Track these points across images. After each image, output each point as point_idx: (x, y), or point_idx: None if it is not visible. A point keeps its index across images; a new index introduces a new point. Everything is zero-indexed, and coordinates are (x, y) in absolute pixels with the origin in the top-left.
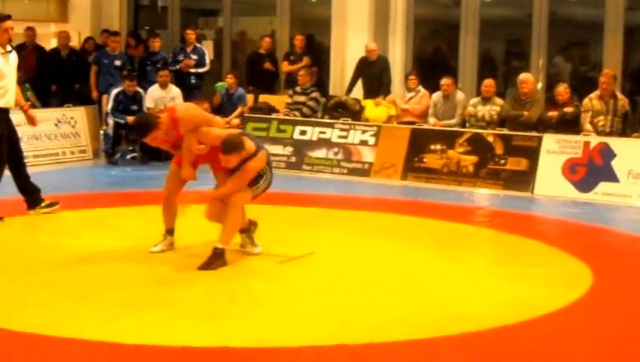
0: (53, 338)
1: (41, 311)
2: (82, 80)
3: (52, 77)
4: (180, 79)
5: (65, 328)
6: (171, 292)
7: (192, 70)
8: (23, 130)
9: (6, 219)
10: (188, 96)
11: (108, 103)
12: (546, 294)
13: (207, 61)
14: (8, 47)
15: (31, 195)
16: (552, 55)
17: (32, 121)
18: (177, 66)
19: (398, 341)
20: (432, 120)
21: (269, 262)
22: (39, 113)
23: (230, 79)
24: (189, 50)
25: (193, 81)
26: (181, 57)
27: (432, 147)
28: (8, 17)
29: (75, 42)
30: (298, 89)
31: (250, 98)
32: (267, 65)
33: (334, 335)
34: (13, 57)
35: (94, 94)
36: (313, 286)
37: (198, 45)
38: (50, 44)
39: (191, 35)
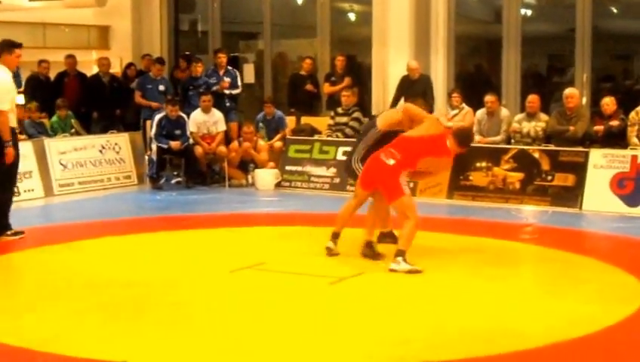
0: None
1: (91, 335)
2: (123, 106)
3: (93, 103)
4: (215, 102)
5: (116, 351)
6: (222, 315)
7: (226, 92)
8: (67, 157)
9: (55, 246)
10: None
11: (151, 129)
12: (598, 310)
13: (240, 83)
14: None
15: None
16: (595, 69)
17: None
18: (214, 88)
19: (452, 360)
20: (477, 137)
21: (320, 282)
22: (84, 140)
23: (268, 108)
24: (221, 73)
25: (228, 103)
26: (213, 80)
27: (478, 164)
28: (20, 45)
29: (116, 68)
30: (340, 110)
31: (292, 120)
32: (309, 86)
33: (390, 356)
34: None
35: (154, 105)
36: (365, 307)
37: (230, 68)
38: (92, 70)
39: (222, 58)
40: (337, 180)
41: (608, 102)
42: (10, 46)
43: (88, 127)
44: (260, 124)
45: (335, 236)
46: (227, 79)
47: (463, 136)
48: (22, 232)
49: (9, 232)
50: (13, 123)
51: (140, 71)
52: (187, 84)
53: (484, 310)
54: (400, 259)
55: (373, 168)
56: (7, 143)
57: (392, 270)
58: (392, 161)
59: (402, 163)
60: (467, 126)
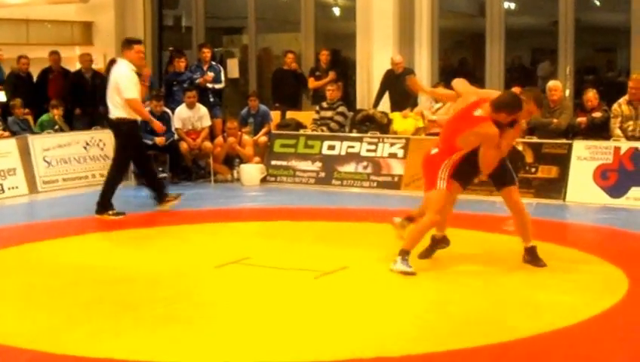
0: (91, 359)
1: (78, 332)
2: (106, 102)
3: (76, 100)
4: (199, 98)
5: (103, 348)
6: (207, 310)
7: (209, 85)
8: (51, 154)
9: (39, 243)
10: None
11: None
12: (582, 301)
13: (223, 78)
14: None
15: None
16: (578, 62)
17: None
18: (196, 81)
19: (437, 352)
20: None
21: (304, 277)
22: (68, 137)
23: (252, 102)
24: (205, 68)
25: (212, 99)
26: (197, 75)
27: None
28: (140, 42)
29: (100, 64)
30: (325, 104)
31: (276, 115)
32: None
33: (372, 349)
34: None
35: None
36: (349, 300)
37: (214, 63)
38: (76, 67)
39: (206, 53)
40: (323, 174)
41: (591, 97)
42: (130, 42)
43: (71, 123)
44: (250, 119)
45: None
46: (211, 74)
47: (500, 101)
48: (123, 213)
49: (110, 212)
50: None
51: None
52: (171, 80)
53: (469, 302)
54: (399, 259)
55: (423, 161)
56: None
57: (391, 270)
58: (435, 150)
59: (443, 150)
60: (507, 92)
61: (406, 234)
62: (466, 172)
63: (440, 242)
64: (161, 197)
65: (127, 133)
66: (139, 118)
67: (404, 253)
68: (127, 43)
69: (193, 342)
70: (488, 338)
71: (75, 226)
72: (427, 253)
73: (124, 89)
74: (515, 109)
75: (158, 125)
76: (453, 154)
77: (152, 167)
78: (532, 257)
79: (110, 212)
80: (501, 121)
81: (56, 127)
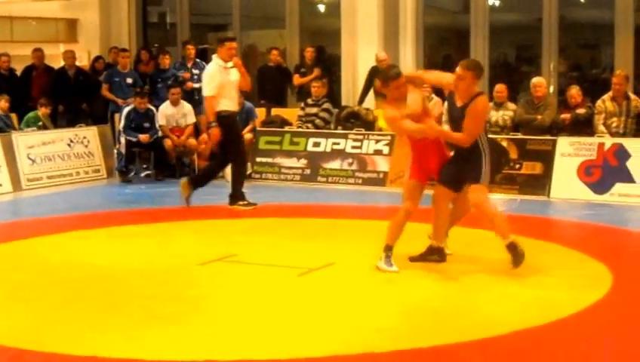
0: (75, 357)
1: (62, 330)
2: (91, 99)
3: (59, 97)
4: (185, 96)
5: (87, 346)
6: (192, 307)
7: (196, 85)
8: (35, 151)
9: (23, 241)
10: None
11: (120, 122)
12: (566, 296)
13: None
14: (229, 64)
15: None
16: (563, 58)
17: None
18: (184, 87)
19: (423, 347)
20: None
21: (289, 274)
22: (52, 134)
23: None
24: (189, 65)
25: (197, 96)
26: (181, 72)
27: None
28: (233, 39)
29: (85, 62)
30: (310, 101)
31: (262, 112)
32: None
33: (359, 344)
34: (233, 70)
35: (120, 101)
36: (335, 297)
37: (198, 60)
38: (61, 64)
39: (191, 50)
40: (308, 171)
41: (574, 94)
42: (222, 40)
43: (55, 121)
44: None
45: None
46: (195, 71)
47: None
48: (255, 204)
49: (241, 203)
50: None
51: (108, 64)
52: (155, 77)
53: (455, 297)
54: (383, 256)
55: None
56: (211, 124)
57: (377, 266)
58: None
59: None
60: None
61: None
62: (453, 176)
63: (434, 252)
64: (235, 197)
65: (226, 126)
66: (236, 110)
67: (387, 249)
68: (220, 41)
69: (177, 339)
70: (473, 333)
71: (59, 224)
72: (420, 259)
73: (203, 86)
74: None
75: (216, 133)
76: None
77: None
78: (510, 253)
79: (241, 203)
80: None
81: (40, 123)
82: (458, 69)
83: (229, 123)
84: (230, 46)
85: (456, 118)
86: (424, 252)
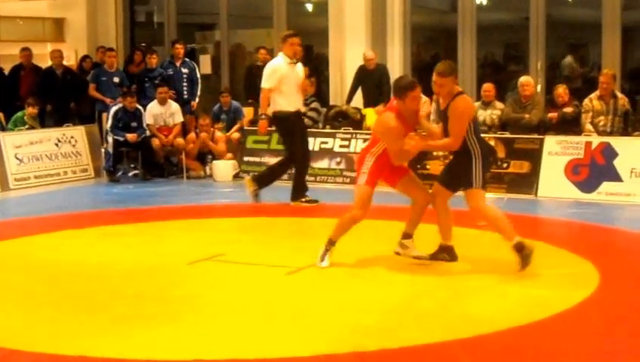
0: (63, 357)
1: (50, 329)
2: (78, 98)
3: (47, 97)
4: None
5: (75, 346)
6: (180, 307)
7: (184, 84)
8: (23, 151)
9: (11, 241)
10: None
11: (107, 121)
12: (553, 295)
13: (199, 75)
14: (294, 60)
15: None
16: (551, 57)
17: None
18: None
19: (411, 346)
20: (434, 126)
21: (277, 273)
22: (39, 134)
23: (225, 98)
24: (178, 64)
25: (186, 96)
26: (170, 72)
27: (435, 153)
28: (295, 35)
29: (72, 61)
30: None
31: (249, 111)
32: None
33: (347, 343)
34: (299, 68)
35: (107, 100)
36: (323, 295)
37: (187, 60)
38: (48, 63)
39: (179, 49)
40: None
41: (561, 93)
42: (286, 37)
43: (43, 120)
44: (223, 116)
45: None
46: (185, 70)
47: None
48: (316, 201)
49: (304, 199)
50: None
51: (96, 63)
52: (142, 76)
53: (442, 296)
54: (323, 247)
55: None
56: (261, 116)
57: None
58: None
59: (368, 144)
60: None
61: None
62: (448, 176)
63: (444, 251)
64: (297, 194)
65: (284, 126)
66: (301, 109)
67: (330, 243)
68: (284, 38)
69: (166, 339)
70: (461, 332)
71: (47, 224)
72: (430, 258)
73: (262, 79)
74: (399, 90)
75: (263, 124)
76: (373, 147)
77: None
78: (517, 254)
79: (303, 199)
80: (402, 109)
81: (27, 125)
82: (435, 78)
83: (288, 123)
84: (293, 41)
85: (443, 121)
86: (435, 251)
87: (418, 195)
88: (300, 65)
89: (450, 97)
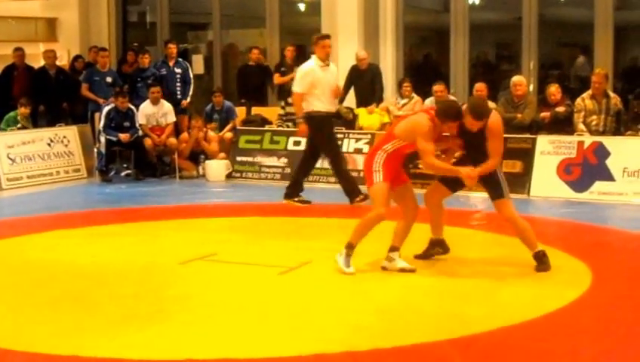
0: (56, 357)
1: (42, 329)
2: (70, 99)
3: (40, 97)
4: (167, 96)
5: (67, 345)
6: (173, 306)
7: (178, 84)
8: (15, 151)
9: (3, 241)
10: (175, 111)
11: (100, 121)
12: (546, 294)
13: (191, 75)
14: (327, 62)
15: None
16: (541, 57)
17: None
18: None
19: (403, 345)
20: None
21: (269, 272)
22: (32, 134)
23: (217, 98)
24: (171, 64)
25: (179, 96)
26: (163, 72)
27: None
28: (327, 37)
29: (64, 61)
30: (290, 100)
31: (242, 111)
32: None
33: (339, 342)
34: (333, 70)
35: (100, 101)
36: (315, 295)
37: (180, 60)
38: (41, 63)
39: (172, 49)
40: (288, 170)
41: (554, 91)
42: (317, 38)
43: (35, 120)
44: (215, 116)
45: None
46: (178, 70)
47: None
48: (309, 201)
49: (297, 199)
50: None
51: (88, 63)
52: (135, 76)
53: (434, 295)
54: (344, 251)
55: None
56: (298, 120)
57: (336, 260)
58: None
59: (377, 144)
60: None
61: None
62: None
63: (436, 245)
64: (353, 195)
65: (315, 127)
66: (331, 110)
67: (350, 247)
68: (315, 40)
69: (158, 338)
70: (453, 331)
71: (40, 223)
72: (424, 255)
73: (294, 82)
74: (448, 118)
75: (303, 128)
76: (387, 143)
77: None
78: (537, 262)
79: (296, 198)
80: (437, 123)
81: (19, 125)
82: (471, 121)
83: (319, 124)
84: (324, 44)
85: (472, 142)
86: (426, 247)
87: (409, 208)
88: (333, 67)
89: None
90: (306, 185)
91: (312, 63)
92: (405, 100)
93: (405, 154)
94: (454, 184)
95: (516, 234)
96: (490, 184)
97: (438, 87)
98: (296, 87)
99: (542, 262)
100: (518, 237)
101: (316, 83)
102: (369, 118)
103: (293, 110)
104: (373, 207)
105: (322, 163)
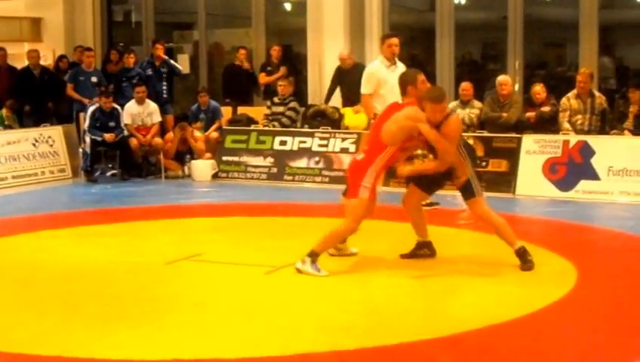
0: (42, 358)
1: (28, 330)
2: (56, 98)
3: (25, 97)
4: (153, 95)
5: (53, 346)
6: (159, 306)
7: (164, 84)
8: (0, 151)
9: None
10: (160, 111)
11: (85, 121)
12: (531, 293)
13: (179, 65)
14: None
15: None
16: (527, 56)
17: None
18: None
19: (389, 344)
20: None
21: (255, 272)
22: (17, 134)
23: (202, 98)
24: (157, 64)
25: (165, 95)
26: (149, 72)
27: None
28: (393, 35)
29: (49, 61)
30: (276, 99)
31: (228, 110)
32: (246, 65)
33: (325, 342)
34: (401, 69)
35: (85, 101)
36: (301, 295)
37: (166, 58)
38: (25, 63)
39: (159, 49)
40: (275, 170)
41: (539, 90)
42: (383, 38)
43: (20, 120)
44: (201, 115)
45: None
46: (164, 70)
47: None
48: (437, 203)
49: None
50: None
51: (73, 63)
52: (120, 76)
53: (420, 295)
54: (308, 259)
55: (349, 167)
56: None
57: (296, 268)
58: (361, 156)
59: (369, 154)
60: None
61: (321, 237)
62: (427, 180)
63: (423, 247)
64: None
65: None
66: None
67: (314, 255)
68: (382, 39)
69: (144, 339)
70: (439, 330)
71: (25, 224)
72: (410, 255)
73: (361, 84)
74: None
75: None
76: (378, 156)
77: None
78: (521, 260)
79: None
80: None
81: (6, 124)
82: (431, 107)
83: None
84: (390, 42)
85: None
86: (413, 248)
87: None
88: (401, 66)
89: (442, 117)
90: (292, 185)
91: (377, 63)
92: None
93: (398, 160)
94: (429, 186)
95: (494, 232)
96: (462, 185)
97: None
98: (363, 89)
99: (525, 260)
100: (496, 234)
101: (382, 83)
102: (355, 117)
103: (364, 112)
104: (347, 219)
105: (308, 163)
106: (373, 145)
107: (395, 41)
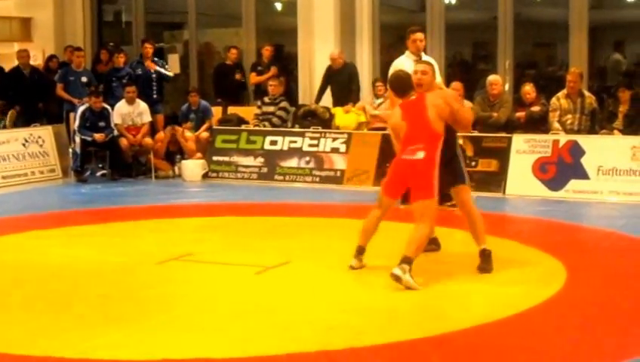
0: (31, 358)
1: (17, 330)
2: (46, 98)
3: (14, 97)
4: (143, 94)
5: (42, 346)
6: (149, 306)
7: (154, 84)
8: None
9: None
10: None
11: (75, 121)
12: (521, 292)
13: (169, 72)
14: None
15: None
16: (517, 56)
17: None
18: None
19: (379, 344)
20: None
21: (245, 272)
22: (6, 134)
23: (193, 98)
24: (146, 64)
25: (155, 95)
26: (139, 71)
27: None
28: (417, 30)
29: (39, 60)
30: (267, 99)
31: (218, 110)
32: (238, 76)
33: (315, 342)
34: None
35: (75, 101)
36: (292, 295)
37: (156, 59)
38: (15, 63)
39: (149, 48)
40: (265, 170)
41: (529, 90)
42: (409, 32)
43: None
44: (192, 115)
45: (360, 251)
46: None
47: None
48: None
49: (448, 203)
50: None
51: (63, 63)
52: (110, 76)
53: (410, 294)
54: (407, 267)
55: (403, 167)
56: None
57: (394, 275)
58: (421, 154)
59: (429, 152)
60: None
61: (409, 242)
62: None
63: (430, 243)
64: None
65: None
66: None
67: (409, 261)
68: (407, 33)
69: (134, 339)
70: (429, 330)
71: (14, 224)
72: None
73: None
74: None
75: None
76: (436, 150)
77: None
78: (482, 260)
79: (448, 203)
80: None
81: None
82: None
83: None
84: (415, 37)
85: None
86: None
87: (389, 207)
88: (428, 60)
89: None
90: (283, 184)
91: (403, 58)
92: (381, 100)
93: None
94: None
95: (467, 225)
96: (453, 170)
97: None
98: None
99: (487, 262)
100: (469, 229)
101: None
102: (345, 117)
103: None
104: (424, 221)
105: (299, 163)
106: (428, 139)
107: (419, 36)
